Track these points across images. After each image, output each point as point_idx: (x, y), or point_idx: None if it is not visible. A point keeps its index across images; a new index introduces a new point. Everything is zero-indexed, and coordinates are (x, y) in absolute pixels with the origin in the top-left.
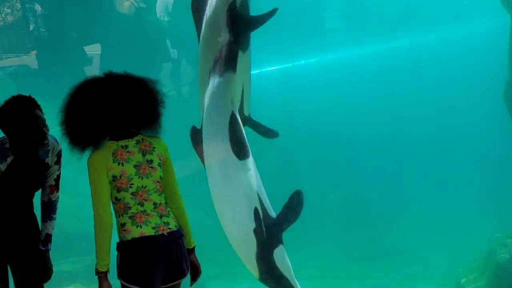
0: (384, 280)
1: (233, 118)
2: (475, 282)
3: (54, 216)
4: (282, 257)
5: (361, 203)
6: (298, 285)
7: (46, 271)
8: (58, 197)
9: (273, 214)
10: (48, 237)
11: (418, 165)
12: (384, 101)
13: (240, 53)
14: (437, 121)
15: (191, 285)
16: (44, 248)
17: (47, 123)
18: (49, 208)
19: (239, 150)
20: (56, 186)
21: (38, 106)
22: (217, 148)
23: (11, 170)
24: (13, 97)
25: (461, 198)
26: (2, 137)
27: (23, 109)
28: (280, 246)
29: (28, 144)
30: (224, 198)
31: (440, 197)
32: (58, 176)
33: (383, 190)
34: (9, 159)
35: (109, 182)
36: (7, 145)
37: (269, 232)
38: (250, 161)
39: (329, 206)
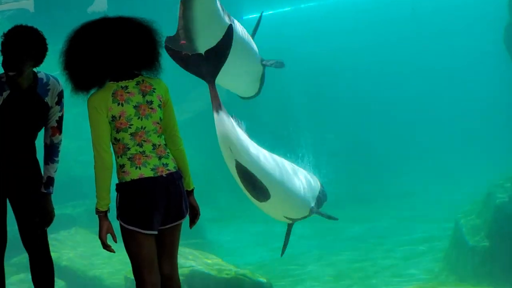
0: (383, 222)
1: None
2: (474, 224)
3: (56, 159)
4: None
5: (361, 146)
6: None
7: (47, 214)
8: (60, 140)
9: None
10: (50, 180)
11: (419, 109)
12: (385, 45)
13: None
14: (440, 65)
15: (190, 227)
16: (45, 191)
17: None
18: (51, 151)
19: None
20: (59, 128)
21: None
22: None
23: (8, 105)
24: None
25: (462, 143)
26: (1, 73)
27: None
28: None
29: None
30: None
31: (441, 142)
32: (60, 118)
33: (384, 134)
34: (5, 94)
35: (109, 122)
36: (3, 79)
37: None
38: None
39: (329, 149)
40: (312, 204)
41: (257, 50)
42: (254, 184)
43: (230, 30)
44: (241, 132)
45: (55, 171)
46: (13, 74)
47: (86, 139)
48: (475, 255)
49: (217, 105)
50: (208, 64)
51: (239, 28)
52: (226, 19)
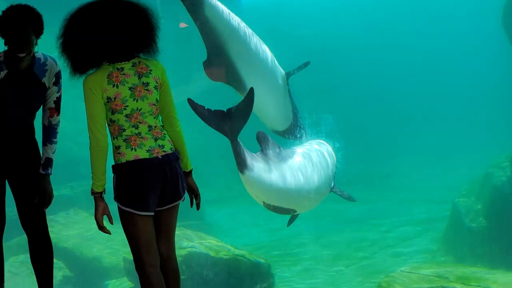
0: (382, 203)
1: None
2: (471, 205)
3: (54, 140)
4: None
5: (360, 128)
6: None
7: (46, 195)
8: (59, 121)
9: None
10: (49, 161)
11: (416, 89)
12: (382, 27)
13: None
14: (437, 48)
15: (196, 208)
16: (44, 172)
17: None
18: (49, 132)
19: None
20: (57, 109)
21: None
22: None
23: (5, 85)
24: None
25: (459, 125)
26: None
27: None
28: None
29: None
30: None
31: (438, 124)
32: (58, 98)
33: (382, 116)
34: (2, 73)
35: (104, 104)
36: (1, 59)
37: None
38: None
39: (326, 130)
40: (332, 184)
41: (281, 72)
42: (283, 210)
43: (251, 93)
44: (267, 178)
45: (54, 152)
46: (23, 55)
47: (84, 121)
48: (473, 236)
49: (241, 164)
50: (230, 121)
51: (261, 49)
52: (237, 24)
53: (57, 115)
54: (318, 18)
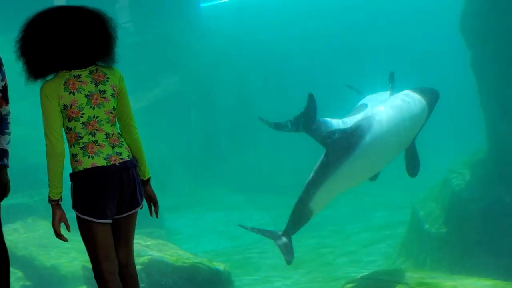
0: (343, 209)
1: None
2: (431, 210)
3: (7, 131)
4: None
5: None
6: None
7: (3, 187)
8: (9, 112)
9: None
10: (3, 152)
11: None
12: (342, 32)
13: None
14: (397, 48)
15: (156, 217)
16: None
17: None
18: (0, 123)
19: None
20: (4, 99)
21: None
22: None
23: None
24: None
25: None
26: None
27: None
28: None
29: None
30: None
31: None
32: (4, 87)
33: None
34: None
35: (61, 111)
36: None
37: None
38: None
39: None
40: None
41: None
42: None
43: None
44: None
45: (8, 142)
46: None
47: (42, 128)
48: (432, 241)
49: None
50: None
51: None
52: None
53: (6, 105)
54: (280, 23)
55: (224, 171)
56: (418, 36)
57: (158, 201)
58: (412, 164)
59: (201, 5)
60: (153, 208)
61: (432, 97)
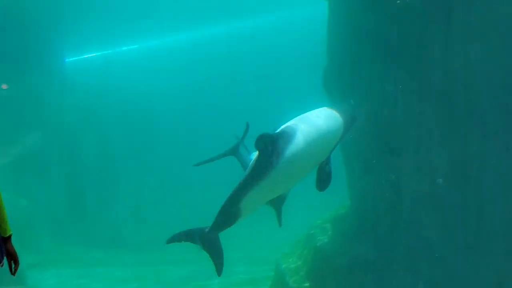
0: (207, 264)
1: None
2: (295, 265)
3: None
4: None
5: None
6: None
7: None
8: None
9: None
10: None
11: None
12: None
13: None
14: (263, 102)
15: (13, 274)
16: None
17: None
18: None
19: None
20: None
21: None
22: None
23: None
24: None
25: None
26: None
27: None
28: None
29: None
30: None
31: None
32: None
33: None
34: None
35: None
36: None
37: None
38: None
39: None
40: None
41: None
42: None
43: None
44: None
45: None
46: None
47: None
48: None
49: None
50: None
51: None
52: None
53: None
54: (146, 78)
55: (87, 228)
56: (280, 91)
57: (19, 258)
58: (324, 178)
59: (67, 59)
60: (13, 265)
61: (348, 115)
